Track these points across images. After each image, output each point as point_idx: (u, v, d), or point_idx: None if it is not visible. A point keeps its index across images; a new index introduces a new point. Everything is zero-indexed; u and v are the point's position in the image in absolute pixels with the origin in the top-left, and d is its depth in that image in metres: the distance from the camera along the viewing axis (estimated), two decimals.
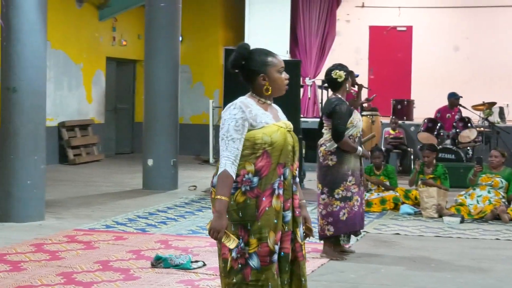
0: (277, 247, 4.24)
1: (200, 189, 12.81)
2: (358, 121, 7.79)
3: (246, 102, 4.25)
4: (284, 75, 4.35)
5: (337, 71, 7.80)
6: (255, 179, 4.20)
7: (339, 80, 7.80)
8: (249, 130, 4.22)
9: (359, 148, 7.75)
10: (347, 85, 7.85)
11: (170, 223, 9.72)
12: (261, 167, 4.20)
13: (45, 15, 9.79)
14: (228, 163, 4.13)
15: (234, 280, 4.22)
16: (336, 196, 7.74)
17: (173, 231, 9.16)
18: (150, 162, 12.86)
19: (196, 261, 7.28)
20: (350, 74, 7.99)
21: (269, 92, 4.30)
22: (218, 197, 4.11)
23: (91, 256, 7.62)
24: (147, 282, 6.63)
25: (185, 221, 9.89)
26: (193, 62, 19.39)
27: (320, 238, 7.90)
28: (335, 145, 7.71)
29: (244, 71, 4.31)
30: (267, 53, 4.34)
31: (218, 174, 4.15)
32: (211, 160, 17.27)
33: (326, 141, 7.80)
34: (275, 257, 4.25)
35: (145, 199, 11.80)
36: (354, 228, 7.85)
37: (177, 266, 7.10)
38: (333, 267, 7.43)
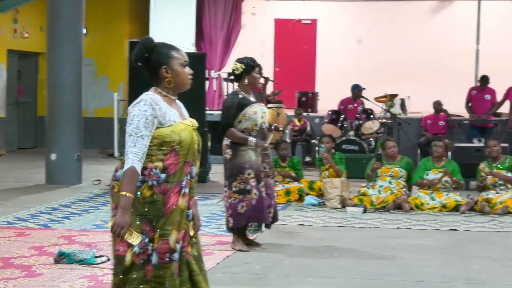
0: (178, 246, 4.22)
1: (104, 183, 12.65)
2: (252, 114, 7.74)
3: (155, 99, 4.20)
4: (188, 70, 4.34)
5: (237, 63, 7.83)
6: (163, 176, 4.18)
7: (236, 72, 7.84)
8: (157, 128, 4.18)
9: (250, 139, 7.70)
10: (247, 79, 7.84)
11: (74, 218, 9.59)
12: (169, 165, 4.18)
13: None
14: (136, 159, 4.09)
15: (135, 276, 4.16)
16: (233, 189, 7.76)
17: (77, 226, 9.05)
18: (53, 156, 12.66)
19: (100, 256, 7.20)
20: (254, 69, 7.95)
21: (171, 85, 4.27)
22: (123, 193, 4.06)
23: None
24: (50, 279, 6.53)
25: (89, 215, 9.78)
26: (98, 55, 19.18)
27: (229, 230, 7.95)
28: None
29: (147, 64, 4.27)
30: (171, 47, 4.32)
31: (124, 170, 4.08)
32: (116, 153, 17.10)
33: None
34: (176, 255, 4.22)
35: (48, 194, 11.62)
36: (252, 221, 7.81)
37: (81, 262, 7.02)
38: (238, 259, 7.47)
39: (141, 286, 4.16)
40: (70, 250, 7.27)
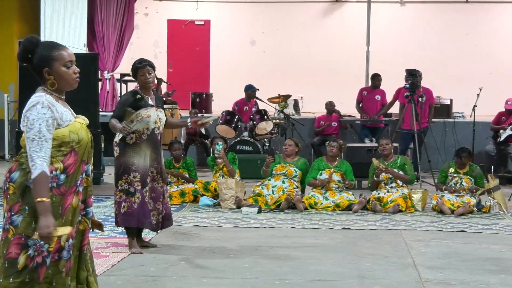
0: (67, 244, 4.21)
1: None
2: (146, 117, 7.72)
3: (50, 100, 4.16)
4: (73, 69, 4.27)
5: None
6: (62, 177, 4.16)
7: (130, 75, 8.04)
8: (55, 129, 4.15)
9: (118, 125, 7.57)
10: (137, 80, 7.93)
11: None
12: (69, 165, 4.17)
13: None
14: (45, 164, 4.04)
15: (27, 279, 4.11)
16: (119, 187, 7.76)
17: None
18: None
19: None
20: (138, 70, 7.96)
21: (55, 87, 4.24)
22: (40, 200, 4.00)
23: None
24: None
25: None
26: None
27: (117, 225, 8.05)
28: (120, 137, 7.75)
29: (31, 65, 4.24)
30: (53, 46, 4.25)
31: (35, 176, 4.00)
32: (7, 156, 16.72)
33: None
34: (65, 253, 4.20)
35: None
36: (129, 224, 7.79)
37: None
38: (133, 261, 7.40)
39: None
40: None
